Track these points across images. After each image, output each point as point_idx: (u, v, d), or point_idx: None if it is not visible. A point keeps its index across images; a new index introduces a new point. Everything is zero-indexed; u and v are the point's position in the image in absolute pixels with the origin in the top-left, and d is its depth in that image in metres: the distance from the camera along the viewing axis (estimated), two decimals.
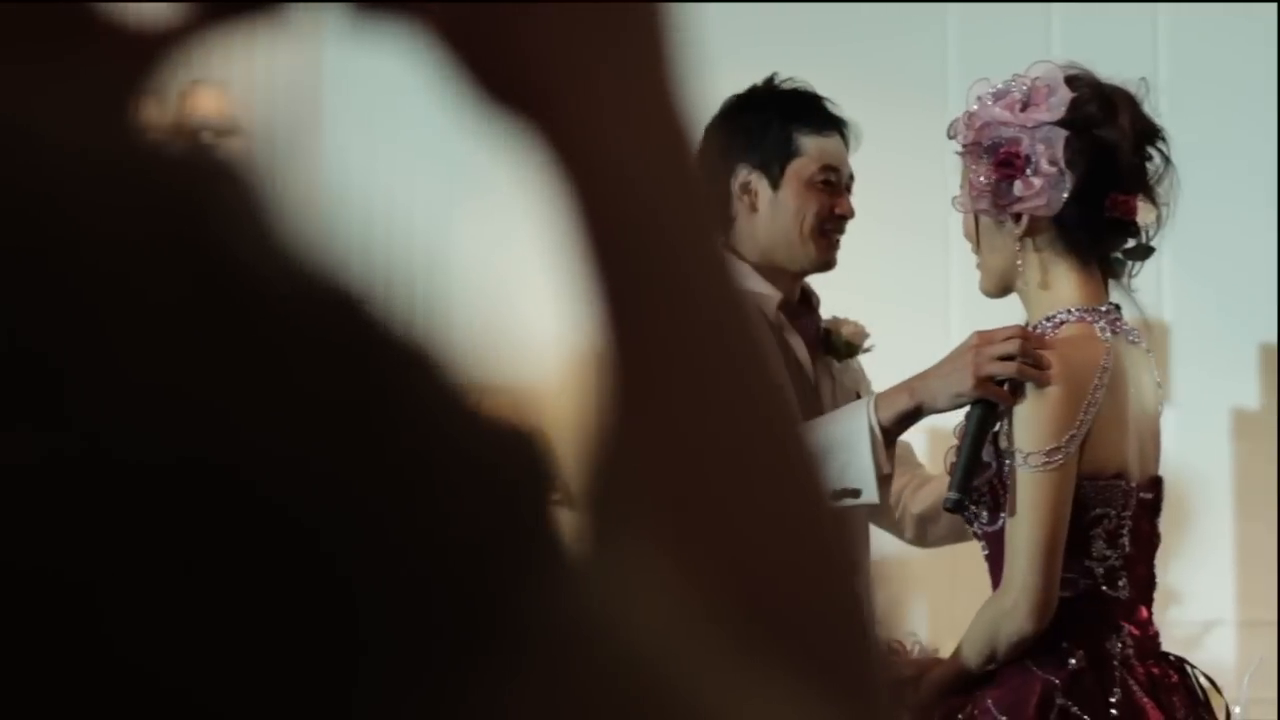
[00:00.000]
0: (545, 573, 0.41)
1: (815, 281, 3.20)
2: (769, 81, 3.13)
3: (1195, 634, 4.91)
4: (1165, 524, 5.13)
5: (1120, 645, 2.63)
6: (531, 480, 0.43)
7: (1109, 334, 2.66)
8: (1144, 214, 2.68)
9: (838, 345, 3.06)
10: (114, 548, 0.37)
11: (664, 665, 0.43)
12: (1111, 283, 2.78)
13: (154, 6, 0.54)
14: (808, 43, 5.46)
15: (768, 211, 3.04)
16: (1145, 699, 2.60)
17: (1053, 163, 2.64)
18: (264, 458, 0.39)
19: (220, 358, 0.39)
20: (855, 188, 3.19)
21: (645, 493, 0.54)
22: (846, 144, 3.08)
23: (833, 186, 3.05)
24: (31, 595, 0.37)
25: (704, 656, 0.44)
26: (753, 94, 3.11)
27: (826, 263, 3.06)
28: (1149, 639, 2.69)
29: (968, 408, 2.66)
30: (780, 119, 3.05)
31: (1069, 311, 2.68)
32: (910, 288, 4.74)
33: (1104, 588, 2.64)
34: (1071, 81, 2.69)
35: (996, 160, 2.67)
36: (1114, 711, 2.58)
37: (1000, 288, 2.76)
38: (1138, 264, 2.76)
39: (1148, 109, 2.77)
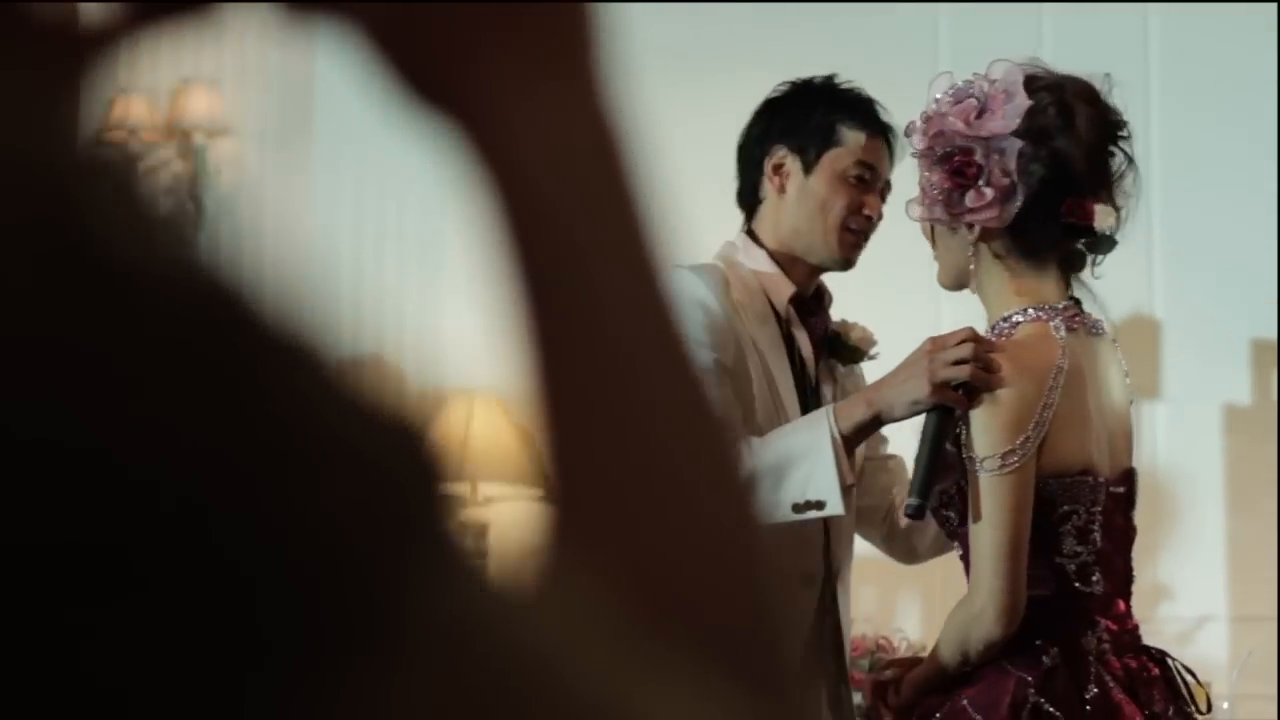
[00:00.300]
0: (431, 570, 0.42)
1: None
2: (827, 78, 3.10)
3: (1187, 629, 4.92)
4: (1158, 520, 5.17)
5: (1096, 641, 2.63)
6: (418, 478, 0.43)
7: (1063, 333, 2.65)
8: (1102, 217, 2.67)
9: (844, 349, 3.03)
10: None
11: (562, 663, 0.43)
12: (1084, 273, 2.78)
13: (86, 7, 0.54)
14: (799, 42, 5.47)
15: (795, 196, 2.99)
16: (1121, 695, 2.60)
17: (1006, 174, 2.63)
18: (129, 442, 0.39)
19: (84, 341, 0.39)
20: None
21: (560, 494, 0.55)
22: (891, 152, 3.04)
23: (865, 184, 3.01)
24: None
25: (609, 655, 0.44)
26: (807, 84, 3.07)
27: (846, 260, 3.01)
28: (1127, 632, 2.69)
29: (925, 414, 2.66)
30: (827, 107, 3.00)
31: (1025, 311, 2.68)
32: (904, 286, 4.74)
33: (1077, 584, 2.64)
34: (1031, 83, 2.67)
35: (949, 169, 2.68)
36: (1089, 709, 2.58)
37: (956, 284, 2.77)
38: (1102, 256, 2.75)
39: (1114, 102, 2.75)
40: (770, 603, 0.55)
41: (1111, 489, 2.69)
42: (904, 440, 2.92)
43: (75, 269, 0.40)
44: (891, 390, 2.69)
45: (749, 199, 3.07)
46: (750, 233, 3.05)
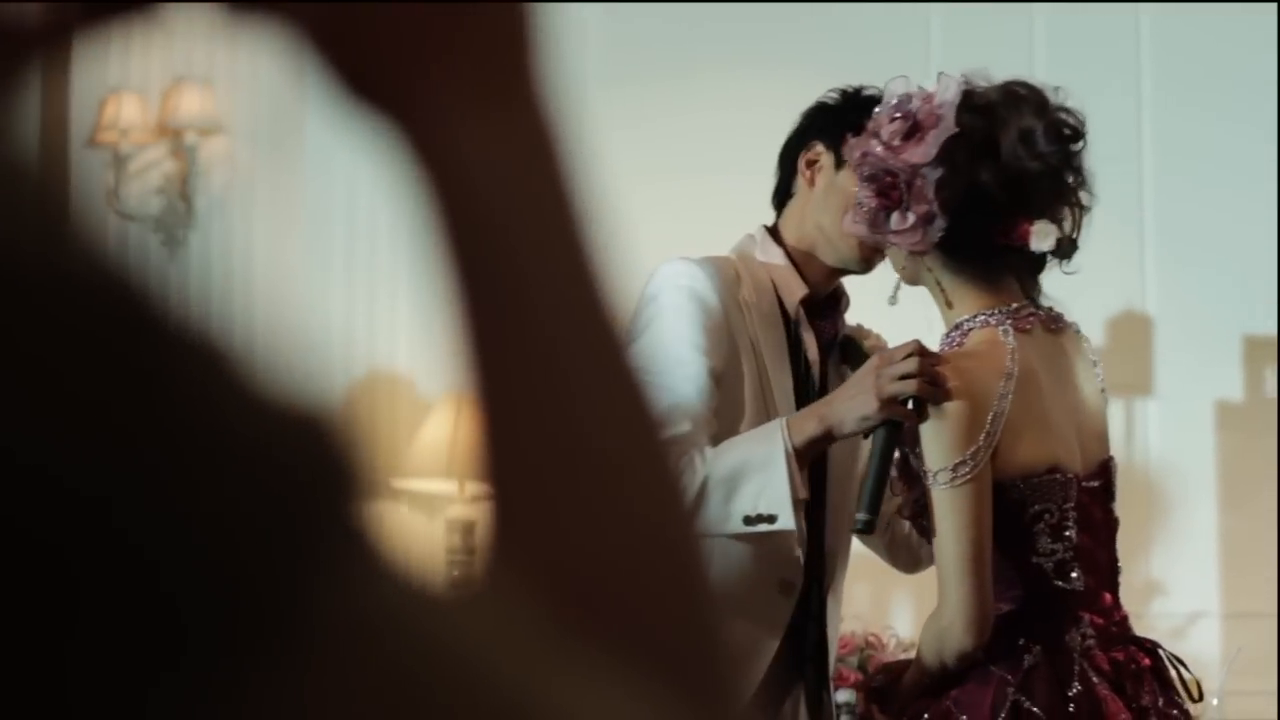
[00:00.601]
0: (344, 567, 0.42)
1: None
2: (876, 88, 3.07)
3: (1180, 625, 4.92)
4: (1150, 516, 5.17)
5: (1081, 637, 2.63)
6: (329, 475, 0.43)
7: (1011, 337, 2.65)
8: (1039, 238, 2.65)
9: (857, 354, 3.01)
10: None
11: (482, 661, 0.43)
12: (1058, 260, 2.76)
13: (28, 7, 0.54)
14: (791, 42, 5.47)
15: (824, 190, 2.97)
16: (1106, 690, 2.60)
17: (926, 202, 2.64)
18: (39, 440, 0.39)
19: None
20: None
21: (494, 493, 0.55)
22: None
23: None
24: None
25: (535, 654, 0.45)
26: (857, 90, 3.04)
27: (865, 262, 2.96)
28: (1115, 624, 2.69)
29: (875, 429, 2.66)
30: (870, 107, 2.98)
31: (975, 318, 2.69)
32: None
33: (1057, 582, 2.64)
34: (967, 102, 2.65)
35: (876, 189, 2.69)
36: (1072, 708, 2.58)
37: (912, 283, 2.78)
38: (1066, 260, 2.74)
39: (1067, 111, 2.72)
40: (707, 606, 0.55)
41: (1085, 484, 2.69)
42: None
43: None
44: (841, 406, 2.69)
45: (781, 196, 3.06)
46: (772, 229, 3.02)
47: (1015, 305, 2.69)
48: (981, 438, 2.57)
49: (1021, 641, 2.61)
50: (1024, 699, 2.58)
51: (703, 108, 5.49)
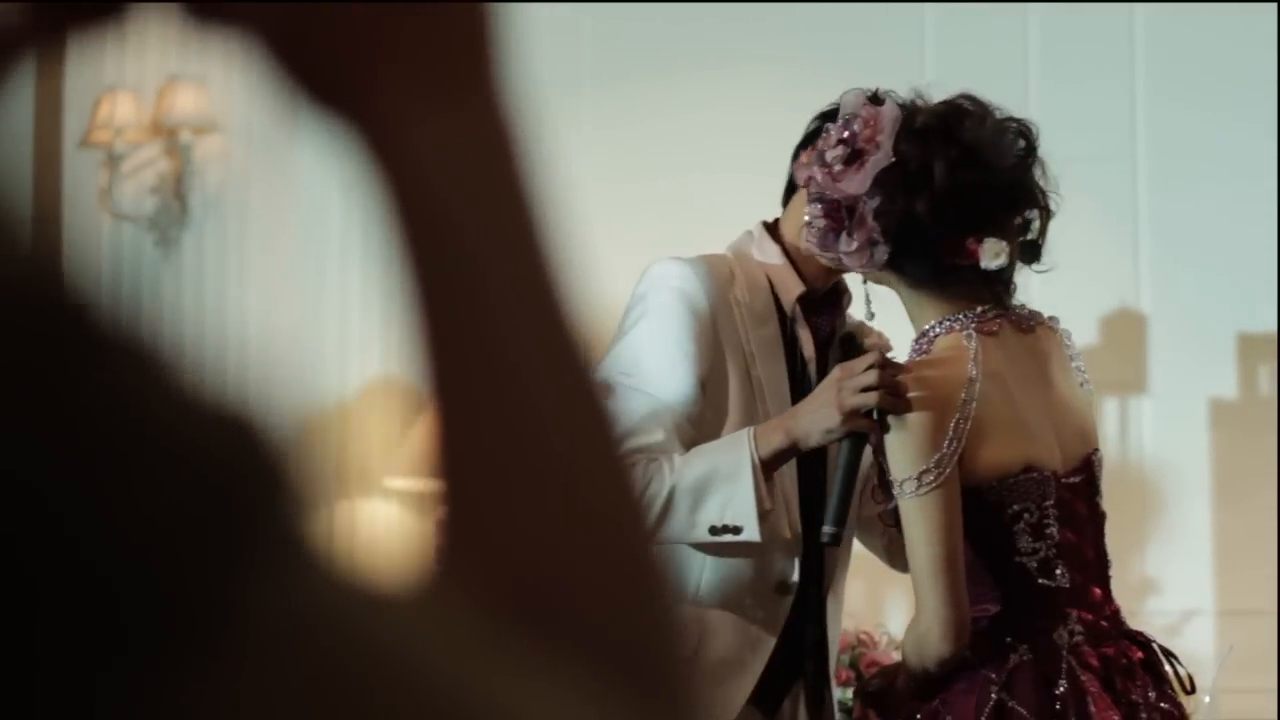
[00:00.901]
0: (278, 566, 0.42)
1: None
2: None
3: (1174, 623, 4.93)
4: (1145, 514, 5.17)
5: (1069, 634, 2.64)
6: (263, 476, 0.43)
7: (974, 342, 2.65)
8: (988, 255, 2.66)
9: (857, 352, 3.00)
10: None
11: (419, 659, 0.43)
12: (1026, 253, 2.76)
13: (6, 7, 0.55)
14: (785, 42, 5.47)
15: None
16: (1095, 687, 2.61)
17: (867, 229, 2.65)
18: None
19: None
20: None
21: (445, 492, 0.55)
22: None
23: None
24: None
25: (476, 653, 0.45)
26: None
27: None
28: (1106, 619, 2.69)
29: (840, 442, 2.67)
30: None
31: (940, 323, 2.70)
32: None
33: (1041, 580, 2.64)
34: (909, 124, 2.66)
35: (824, 210, 2.70)
36: (1058, 706, 2.59)
37: (879, 283, 2.80)
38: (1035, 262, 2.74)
39: (1014, 126, 2.72)
40: (659, 606, 0.55)
41: (1065, 480, 2.69)
42: None
43: None
44: (806, 418, 2.70)
45: (787, 193, 3.06)
46: (771, 226, 3.01)
47: (980, 309, 2.69)
48: (946, 445, 2.58)
49: (1008, 641, 2.62)
50: (1008, 698, 2.58)
51: (697, 107, 5.50)
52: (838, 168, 2.67)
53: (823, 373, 2.97)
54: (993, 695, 2.58)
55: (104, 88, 5.67)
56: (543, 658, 0.47)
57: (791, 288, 2.95)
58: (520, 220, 0.56)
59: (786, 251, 2.97)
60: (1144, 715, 2.65)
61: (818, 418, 2.68)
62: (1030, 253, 2.72)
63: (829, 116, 3.00)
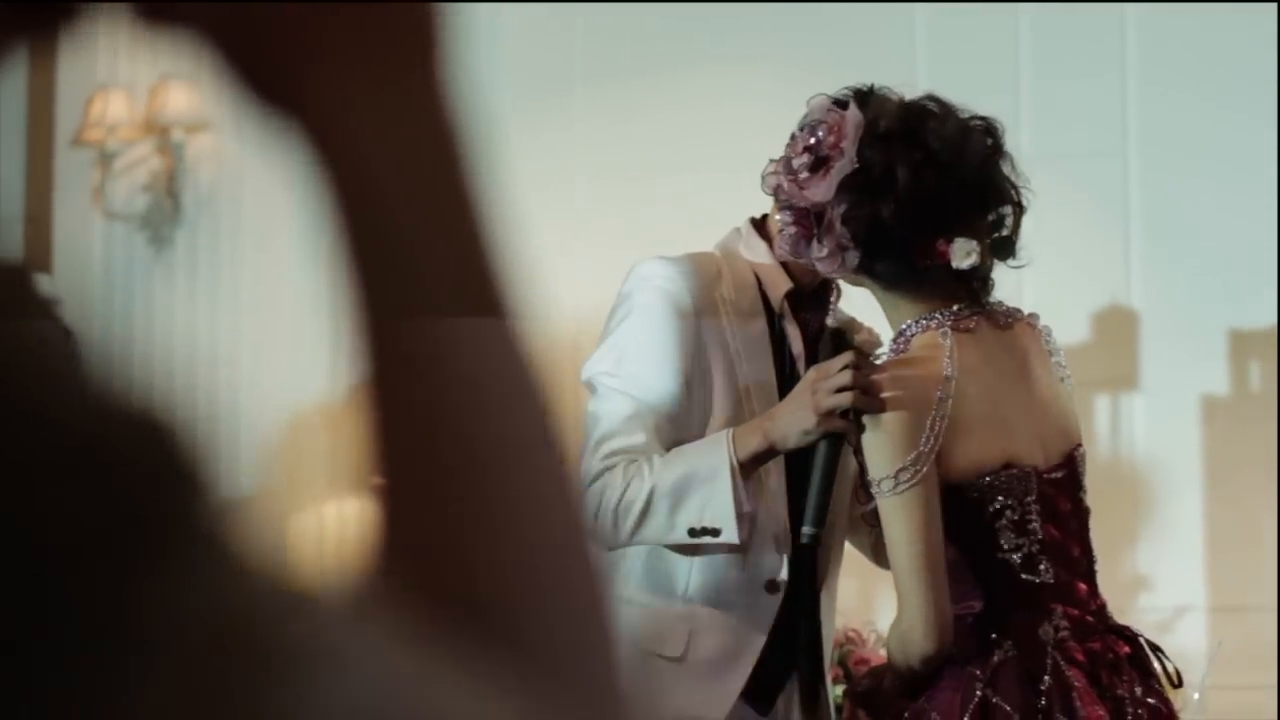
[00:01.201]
0: (186, 570, 0.42)
1: None
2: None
3: (1166, 620, 4.93)
4: (1136, 510, 5.18)
5: (1054, 630, 2.64)
6: (171, 478, 0.43)
7: (950, 340, 2.66)
8: (959, 256, 2.66)
9: (847, 348, 3.01)
10: None
11: (338, 661, 0.43)
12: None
13: None
14: (776, 40, 5.48)
15: None
16: (1081, 682, 2.62)
17: (835, 235, 2.66)
18: None
19: None
20: None
21: (383, 494, 0.55)
22: None
23: None
24: None
25: (403, 654, 0.45)
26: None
27: None
28: (1092, 614, 2.70)
29: (817, 443, 2.68)
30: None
31: (916, 322, 2.70)
32: None
33: (1025, 576, 2.65)
34: (871, 128, 2.66)
35: (794, 217, 2.71)
36: (1043, 701, 2.59)
37: (856, 284, 2.81)
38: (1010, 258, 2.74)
39: (981, 125, 2.71)
40: (593, 607, 0.55)
41: (1047, 476, 2.69)
42: None
43: None
44: (782, 420, 2.71)
45: None
46: (758, 223, 3.00)
47: (956, 307, 2.70)
48: (922, 443, 2.59)
49: (993, 637, 2.63)
50: (992, 694, 2.59)
51: (689, 104, 5.50)
52: (804, 175, 2.69)
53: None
54: (977, 692, 2.59)
55: (96, 86, 5.67)
56: (473, 657, 0.47)
57: (779, 285, 2.95)
58: (459, 206, 0.56)
59: (774, 249, 2.97)
60: (1130, 710, 2.65)
61: (794, 419, 2.69)
62: (1004, 250, 2.72)
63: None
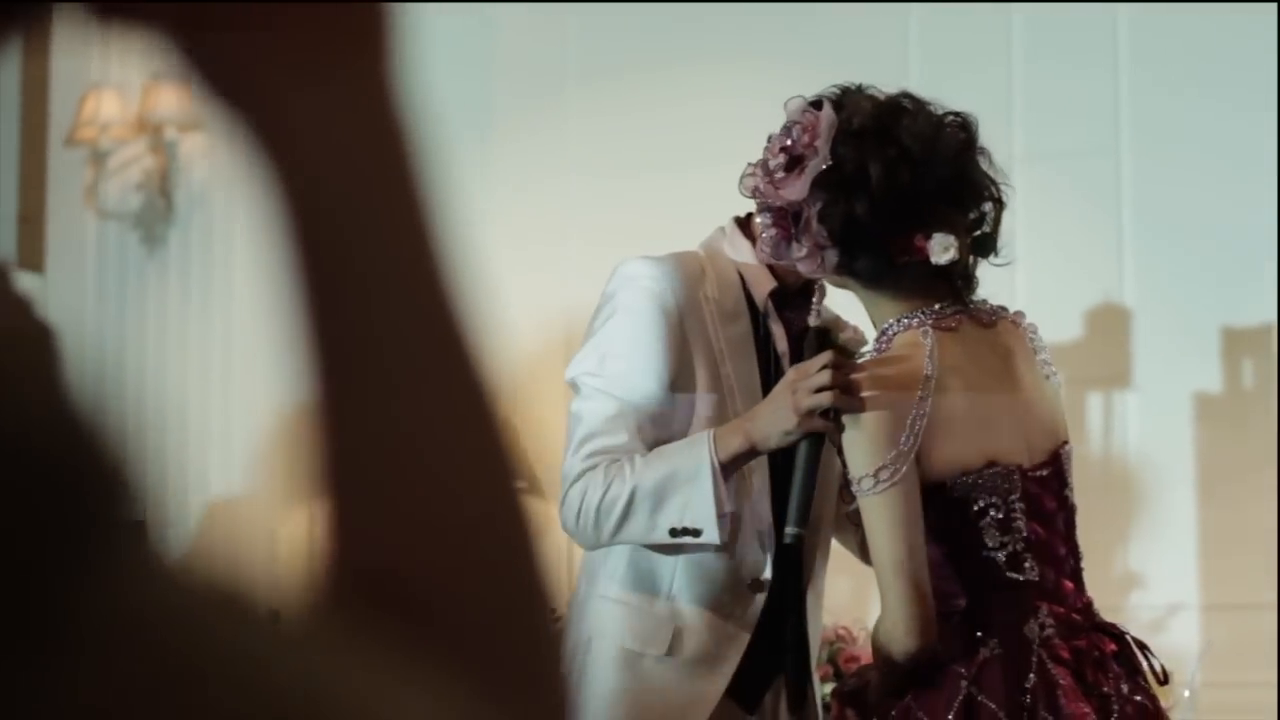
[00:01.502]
0: (110, 566, 0.42)
1: None
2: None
3: (1159, 618, 4.94)
4: (1128, 508, 5.18)
5: (1039, 627, 2.64)
6: (97, 478, 0.43)
7: (930, 339, 2.66)
8: (938, 251, 2.66)
9: (831, 347, 3.01)
10: None
11: (266, 658, 0.43)
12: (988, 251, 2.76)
13: None
14: (768, 38, 5.48)
15: None
16: (1067, 680, 2.62)
17: (813, 235, 2.66)
18: None
19: None
20: None
21: (326, 490, 0.55)
22: None
23: None
24: None
25: (333, 653, 0.45)
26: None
27: None
28: (1078, 612, 2.70)
29: (798, 443, 2.68)
30: None
31: (898, 321, 2.71)
32: None
33: (1010, 574, 2.65)
34: (845, 126, 2.67)
35: (773, 219, 2.72)
36: (1028, 699, 2.59)
37: (840, 286, 2.81)
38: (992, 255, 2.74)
39: (957, 119, 2.72)
40: (533, 612, 0.55)
41: (1032, 474, 2.70)
42: None
43: None
44: (763, 421, 2.72)
45: None
46: (742, 222, 3.00)
47: (938, 305, 2.70)
48: (902, 441, 2.59)
49: (978, 635, 2.63)
50: (977, 692, 2.59)
51: (681, 102, 5.50)
52: (779, 175, 2.69)
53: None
54: (962, 690, 2.59)
55: (89, 85, 5.66)
56: (404, 658, 0.47)
57: (763, 283, 2.95)
58: (413, 214, 0.56)
59: (758, 248, 2.97)
60: (1116, 707, 2.65)
61: (775, 419, 2.70)
62: (985, 247, 2.72)
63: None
